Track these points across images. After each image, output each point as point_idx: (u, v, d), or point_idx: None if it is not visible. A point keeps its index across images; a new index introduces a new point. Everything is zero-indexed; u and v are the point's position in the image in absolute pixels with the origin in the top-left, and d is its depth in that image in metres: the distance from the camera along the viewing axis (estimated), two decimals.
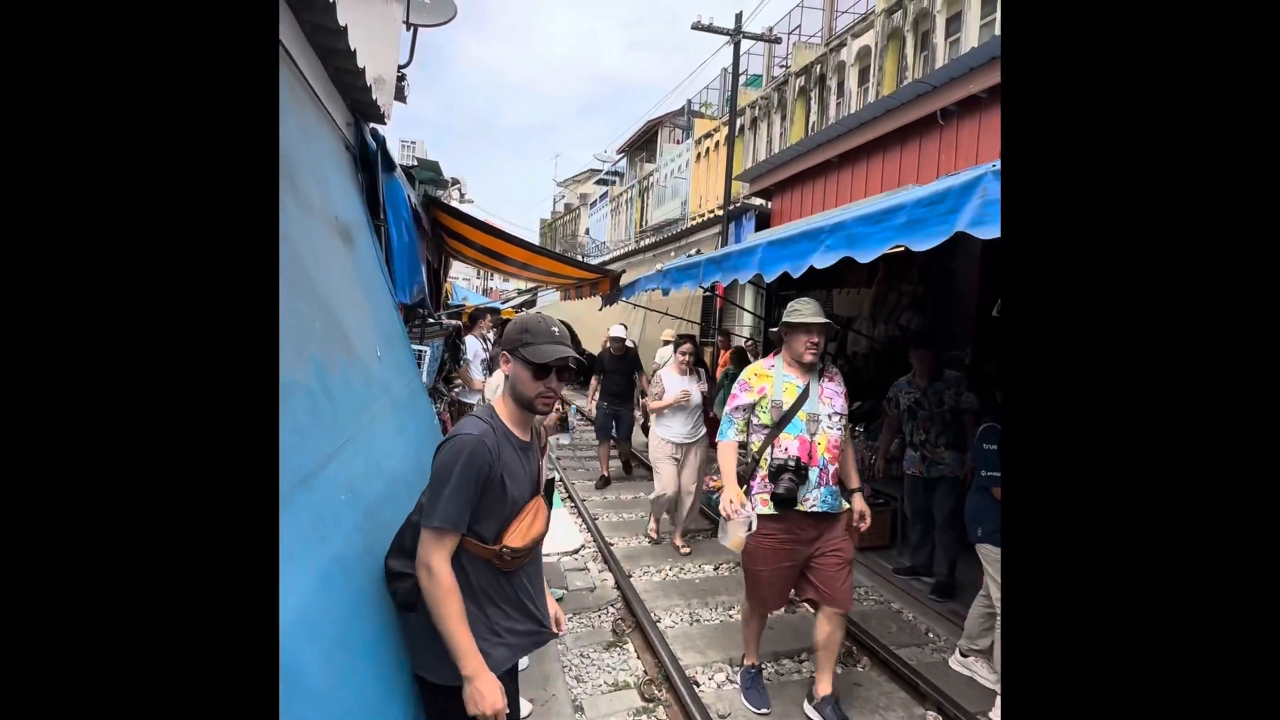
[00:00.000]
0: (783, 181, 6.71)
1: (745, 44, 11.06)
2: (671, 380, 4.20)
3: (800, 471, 2.30)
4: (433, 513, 1.31)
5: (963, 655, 2.90)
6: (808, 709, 2.54)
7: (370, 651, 1.32)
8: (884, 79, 10.16)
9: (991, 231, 1.58)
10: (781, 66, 14.06)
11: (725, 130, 11.42)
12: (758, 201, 8.04)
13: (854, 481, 2.52)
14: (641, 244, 15.64)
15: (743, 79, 13.68)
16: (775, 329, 2.47)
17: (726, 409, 2.48)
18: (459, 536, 1.34)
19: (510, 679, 1.51)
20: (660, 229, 15.43)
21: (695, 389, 4.22)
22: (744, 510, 2.26)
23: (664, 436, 4.24)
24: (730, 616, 3.44)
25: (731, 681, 2.82)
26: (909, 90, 4.86)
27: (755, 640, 2.69)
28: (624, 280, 6.07)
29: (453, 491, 1.31)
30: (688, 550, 4.30)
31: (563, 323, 1.53)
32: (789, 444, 2.35)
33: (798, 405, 2.36)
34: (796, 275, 2.54)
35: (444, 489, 1.31)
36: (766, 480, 2.35)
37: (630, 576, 3.82)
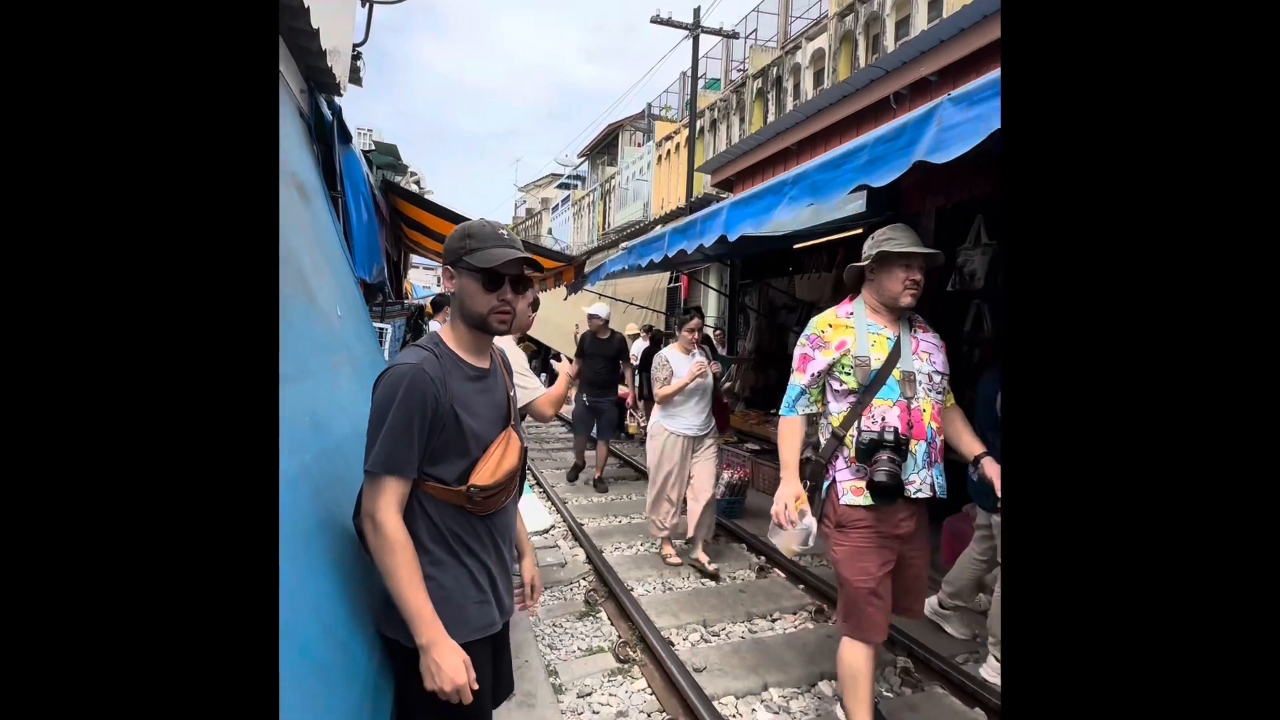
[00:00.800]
0: (744, 171, 6.83)
1: (702, 48, 11.28)
2: (679, 360, 3.48)
3: (901, 447, 1.76)
4: (371, 456, 1.12)
5: (940, 606, 2.87)
6: None
7: (327, 601, 1.16)
8: (838, 81, 10.47)
9: (948, 155, 1.64)
10: (739, 70, 14.37)
11: (685, 132, 11.58)
12: (720, 195, 8.16)
13: (976, 447, 1.94)
14: (605, 244, 15.66)
15: (701, 82, 13.91)
16: (859, 265, 1.92)
17: (794, 376, 1.91)
18: (405, 482, 1.14)
19: (501, 644, 1.35)
20: (623, 231, 15.49)
21: (709, 369, 3.51)
22: (803, 520, 1.78)
23: (672, 429, 3.48)
24: (703, 584, 3.44)
25: (705, 641, 2.82)
26: (863, 75, 5.02)
27: (869, 711, 1.88)
28: (588, 267, 6.07)
29: (391, 430, 1.11)
30: (715, 566, 3.51)
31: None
32: (884, 413, 1.80)
33: (891, 363, 1.82)
34: (760, 230, 2.58)
35: (381, 429, 1.12)
36: (856, 463, 1.81)
37: (602, 552, 3.78)
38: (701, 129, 13.47)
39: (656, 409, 3.59)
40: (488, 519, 1.24)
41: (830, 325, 1.91)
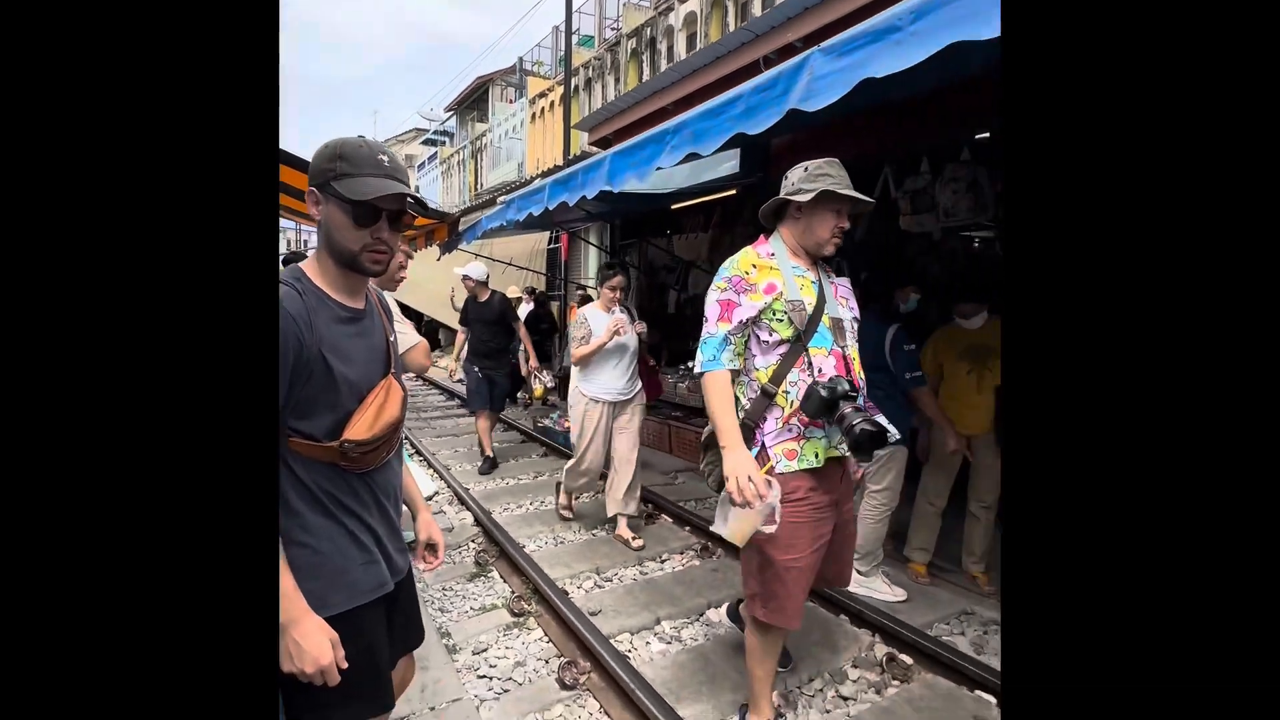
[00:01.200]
0: (621, 130, 6.79)
1: (576, 2, 10.90)
2: (599, 318, 3.22)
3: (853, 398, 1.55)
4: None
5: (859, 573, 2.71)
6: None
7: None
8: (710, 44, 10.65)
9: (820, 103, 1.73)
10: (612, 29, 14.10)
11: (560, 89, 11.22)
12: (596, 151, 8.06)
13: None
14: (477, 205, 14.96)
15: (575, 38, 13.51)
16: (785, 198, 1.68)
17: (713, 325, 1.65)
18: None
19: (404, 597, 1.25)
20: (497, 191, 14.86)
21: (631, 329, 3.24)
22: (772, 494, 1.49)
23: (591, 394, 3.23)
24: (594, 534, 3.50)
25: (599, 586, 2.89)
26: (734, 38, 5.15)
27: (771, 680, 1.83)
28: (463, 225, 5.77)
29: None
30: (641, 543, 3.25)
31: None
32: (822, 363, 1.61)
33: (819, 309, 1.65)
34: (644, 180, 2.59)
35: None
36: (797, 421, 1.61)
37: (490, 514, 3.72)
38: (576, 87, 13.14)
39: (575, 373, 3.34)
40: (367, 476, 1.13)
41: (755, 266, 1.66)
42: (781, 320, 1.62)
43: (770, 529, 1.51)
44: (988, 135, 4.16)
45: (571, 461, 3.39)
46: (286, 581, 0.98)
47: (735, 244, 6.34)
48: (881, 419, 1.56)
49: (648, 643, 2.42)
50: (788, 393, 1.62)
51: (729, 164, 5.10)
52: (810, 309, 1.63)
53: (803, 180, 1.66)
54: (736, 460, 1.53)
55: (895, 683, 2.17)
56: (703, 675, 2.17)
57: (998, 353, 2.70)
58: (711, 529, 1.61)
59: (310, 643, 0.98)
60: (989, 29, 1.31)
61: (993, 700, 2.04)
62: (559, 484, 3.65)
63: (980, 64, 2.68)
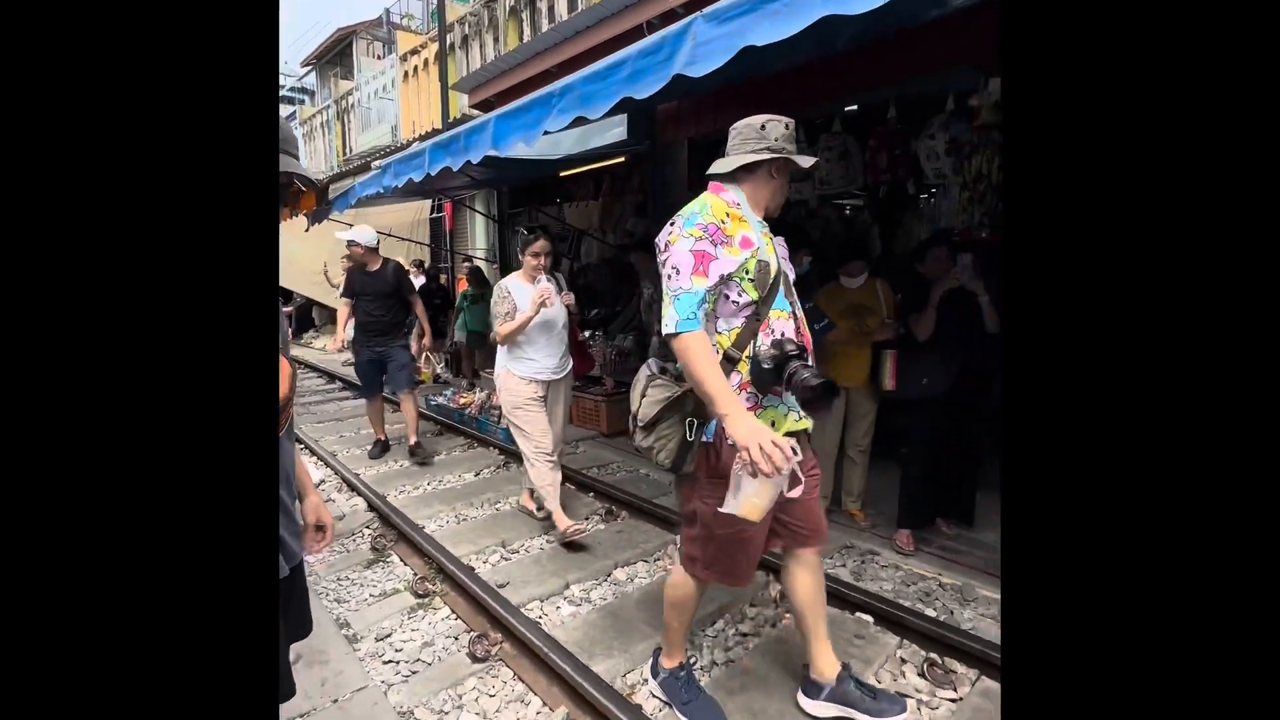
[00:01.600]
0: (504, 92, 6.50)
1: None
2: (522, 290, 2.91)
3: (799, 356, 1.48)
4: None
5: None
6: (812, 705, 1.79)
7: None
8: (592, 5, 10.41)
9: (704, 69, 1.76)
10: None
11: (434, 47, 10.51)
12: (478, 115, 7.69)
13: None
14: (348, 171, 13.83)
15: None
16: (760, 159, 1.59)
17: (686, 279, 1.45)
18: None
19: (293, 587, 1.22)
20: (369, 156, 13.78)
21: (558, 299, 2.99)
22: (794, 458, 1.33)
23: (523, 374, 2.95)
24: (497, 509, 3.46)
25: (505, 559, 2.87)
26: (618, 1, 5.07)
27: (687, 628, 1.85)
28: (333, 193, 5.32)
29: None
30: (544, 514, 3.14)
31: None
32: (782, 327, 1.55)
33: (779, 269, 1.58)
34: (531, 144, 2.52)
35: None
36: (751, 389, 1.52)
37: (385, 498, 3.56)
38: (452, 44, 12.37)
39: (502, 354, 3.02)
40: None
41: (728, 215, 1.51)
42: (753, 281, 1.51)
43: (796, 492, 1.42)
44: (856, 108, 4.45)
45: (529, 455, 2.98)
46: None
47: (625, 211, 6.35)
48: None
49: (558, 607, 2.46)
50: (753, 356, 1.51)
51: (617, 130, 5.08)
52: (774, 270, 1.54)
53: (785, 140, 1.60)
54: (749, 427, 1.35)
55: (787, 615, 2.37)
56: (613, 631, 2.24)
57: (873, 310, 2.95)
58: (721, 510, 1.43)
59: None
60: (859, 3, 1.40)
61: (869, 619, 2.29)
62: (528, 489, 3.32)
63: (849, 38, 2.85)
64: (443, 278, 7.95)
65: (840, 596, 2.39)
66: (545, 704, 1.91)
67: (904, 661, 2.09)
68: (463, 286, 7.20)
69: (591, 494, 3.63)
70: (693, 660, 2.06)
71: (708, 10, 1.80)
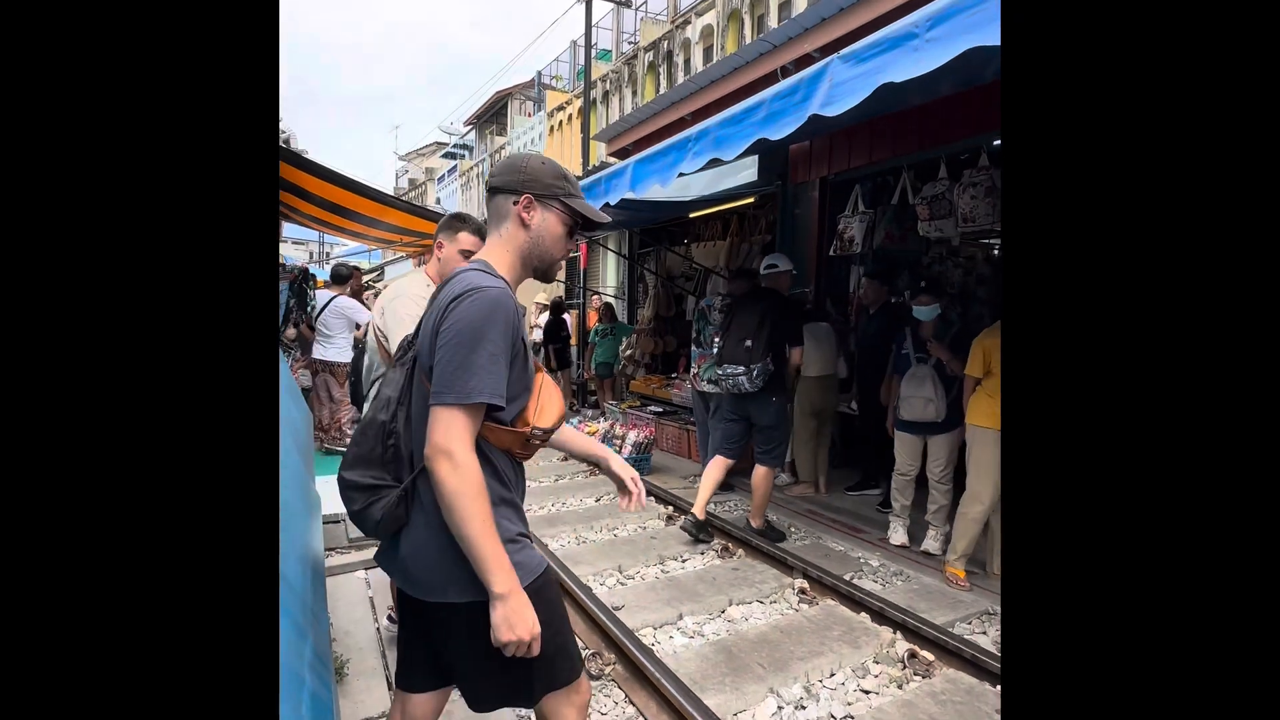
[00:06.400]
0: (639, 140, 6.89)
1: (595, 14, 11.12)
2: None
3: None
4: (462, 385, 1.01)
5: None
6: None
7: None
8: (726, 56, 10.81)
9: (840, 108, 1.79)
10: (630, 42, 14.34)
11: (578, 102, 11.42)
12: (616, 162, 8.19)
13: None
14: None
15: (594, 52, 13.76)
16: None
17: None
18: (481, 418, 1.05)
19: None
20: None
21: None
22: None
23: None
24: (615, 534, 3.55)
25: (622, 584, 2.93)
26: (752, 49, 5.24)
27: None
28: None
29: (491, 357, 1.02)
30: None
31: None
32: None
33: None
34: (667, 185, 2.67)
35: (477, 353, 1.01)
36: None
37: None
38: (594, 100, 13.36)
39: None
40: (519, 468, 1.18)
41: None
42: None
43: None
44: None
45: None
46: (505, 554, 1.03)
47: (751, 250, 6.37)
48: None
49: (670, 637, 2.47)
50: None
51: (747, 172, 5.18)
52: None
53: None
54: None
55: (917, 677, 2.19)
56: (725, 668, 2.20)
57: None
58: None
59: (527, 612, 1.03)
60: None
61: None
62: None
63: (996, 70, 2.73)
64: (569, 314, 8.34)
65: (980, 665, 2.17)
66: None
67: None
68: (593, 321, 7.57)
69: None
70: (804, 707, 1.97)
71: (845, 52, 1.84)
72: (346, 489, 1.12)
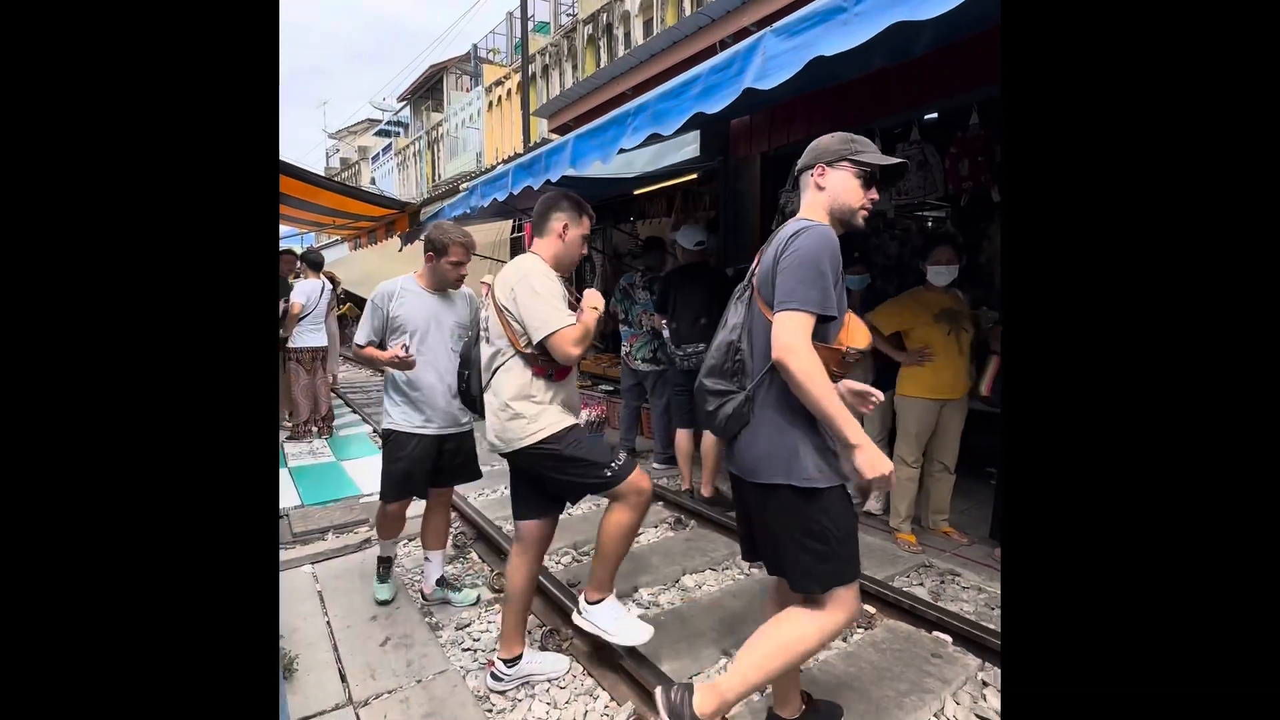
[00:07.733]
0: (581, 116, 6.77)
1: None
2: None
3: None
4: (804, 296, 1.27)
5: None
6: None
7: None
8: (666, 29, 10.69)
9: (773, 81, 1.81)
10: (568, 15, 13.98)
11: (517, 77, 11.11)
12: (557, 138, 8.03)
13: None
14: (436, 196, 14.73)
15: (531, 24, 13.37)
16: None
17: None
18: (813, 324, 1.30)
19: None
20: (455, 182, 14.63)
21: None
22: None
23: None
24: (569, 514, 3.56)
25: (577, 561, 2.96)
26: (691, 22, 5.20)
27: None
28: (423, 216, 5.72)
29: (824, 276, 1.29)
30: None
31: None
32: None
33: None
34: (608, 161, 2.64)
35: (808, 273, 1.28)
36: None
37: (467, 499, 3.74)
38: (534, 74, 13.01)
39: None
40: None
41: None
42: None
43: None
44: (935, 115, 4.33)
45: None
46: (848, 413, 1.30)
47: (696, 226, 6.37)
48: None
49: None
50: None
51: (690, 148, 5.17)
52: None
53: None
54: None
55: (860, 629, 2.31)
56: (680, 634, 2.27)
57: (968, 315, 2.87)
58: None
59: (881, 456, 1.30)
60: (930, 9, 1.41)
61: (948, 638, 2.20)
62: None
63: (925, 44, 2.81)
64: None
65: (917, 614, 2.31)
66: (613, 699, 1.96)
67: (985, 685, 1.99)
68: None
69: (660, 502, 3.67)
70: None
71: (777, 25, 1.85)
72: (703, 393, 1.46)
